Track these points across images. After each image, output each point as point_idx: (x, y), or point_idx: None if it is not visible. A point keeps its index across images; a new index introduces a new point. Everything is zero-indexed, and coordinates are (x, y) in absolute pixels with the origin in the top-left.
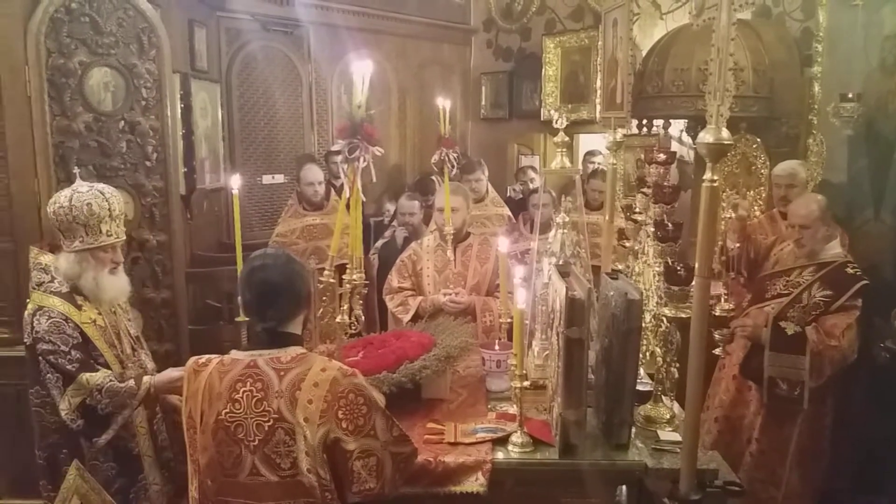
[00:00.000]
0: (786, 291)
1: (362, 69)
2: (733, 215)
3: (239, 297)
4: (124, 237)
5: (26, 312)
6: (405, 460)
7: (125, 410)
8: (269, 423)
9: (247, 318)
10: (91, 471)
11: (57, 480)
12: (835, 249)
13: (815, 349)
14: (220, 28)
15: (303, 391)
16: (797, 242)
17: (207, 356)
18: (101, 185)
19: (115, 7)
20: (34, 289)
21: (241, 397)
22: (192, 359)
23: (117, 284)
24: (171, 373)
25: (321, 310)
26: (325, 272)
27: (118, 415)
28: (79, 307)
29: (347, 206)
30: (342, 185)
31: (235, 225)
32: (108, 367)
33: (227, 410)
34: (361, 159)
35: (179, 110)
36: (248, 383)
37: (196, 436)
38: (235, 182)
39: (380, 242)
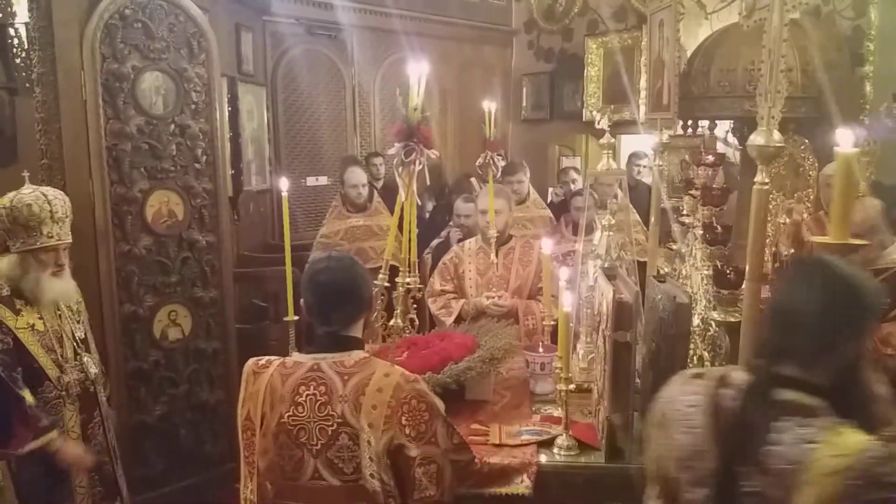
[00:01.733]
0: None
1: (418, 71)
2: (788, 220)
3: (301, 300)
4: (69, 240)
5: None
6: (464, 468)
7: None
8: (333, 428)
9: (309, 321)
10: (18, 468)
11: None
12: (893, 255)
13: (870, 357)
14: (265, 32)
15: (367, 396)
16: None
17: (267, 357)
18: (46, 189)
19: (167, 13)
20: None
21: (305, 401)
22: (252, 360)
23: (58, 287)
24: (82, 454)
25: (375, 313)
26: (381, 275)
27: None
28: (17, 311)
29: (401, 218)
30: (383, 186)
31: (285, 226)
32: (43, 371)
33: (290, 413)
34: (417, 162)
35: (227, 113)
36: (312, 387)
37: (254, 438)
38: (284, 184)
39: (435, 242)
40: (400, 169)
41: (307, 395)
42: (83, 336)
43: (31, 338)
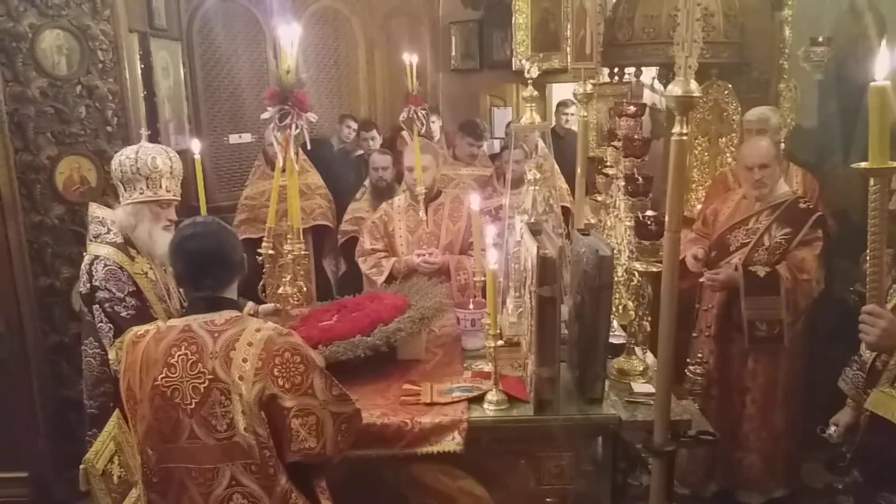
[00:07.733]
0: (747, 240)
1: (290, 33)
2: None
3: (170, 268)
4: (179, 198)
5: (84, 262)
6: (347, 420)
7: None
8: (205, 385)
9: (181, 287)
10: None
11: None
12: (783, 189)
13: (789, 286)
14: None
15: (237, 351)
16: (758, 183)
17: (146, 327)
18: (165, 146)
19: None
20: (91, 241)
21: (177, 361)
22: (132, 330)
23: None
24: None
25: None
26: (264, 243)
27: None
28: (132, 258)
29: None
30: (304, 143)
31: (199, 190)
32: (155, 319)
33: (163, 375)
34: (294, 126)
35: (139, 71)
36: (183, 347)
37: (136, 406)
38: (196, 146)
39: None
40: (277, 134)
41: (179, 355)
42: None
43: (147, 284)
